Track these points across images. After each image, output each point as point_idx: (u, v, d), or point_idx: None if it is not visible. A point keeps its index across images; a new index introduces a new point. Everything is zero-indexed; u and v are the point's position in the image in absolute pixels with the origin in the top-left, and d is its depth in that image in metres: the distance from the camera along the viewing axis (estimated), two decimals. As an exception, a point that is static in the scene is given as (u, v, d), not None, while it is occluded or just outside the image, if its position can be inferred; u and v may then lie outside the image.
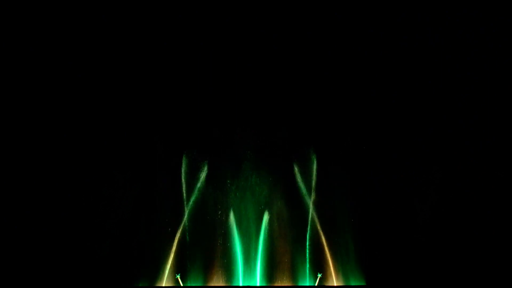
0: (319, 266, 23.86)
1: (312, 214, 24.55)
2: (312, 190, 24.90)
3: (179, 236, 24.15)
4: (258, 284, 23.62)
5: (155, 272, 23.54)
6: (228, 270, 24.02)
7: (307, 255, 24.03)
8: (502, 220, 23.65)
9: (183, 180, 24.76)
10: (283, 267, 24.08)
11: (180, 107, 26.26)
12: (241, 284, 23.55)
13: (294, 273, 23.97)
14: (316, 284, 23.30)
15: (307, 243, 24.15)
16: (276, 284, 23.84)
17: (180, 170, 24.91)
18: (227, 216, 24.68)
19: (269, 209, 24.83)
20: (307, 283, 23.60)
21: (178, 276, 23.20)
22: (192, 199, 24.73)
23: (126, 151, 25.33)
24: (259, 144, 25.68)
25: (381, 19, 25.68)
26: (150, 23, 26.16)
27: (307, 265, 23.94)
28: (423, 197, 24.82)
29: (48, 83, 25.61)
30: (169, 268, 23.53)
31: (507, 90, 24.37)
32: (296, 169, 25.26)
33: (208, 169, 25.06)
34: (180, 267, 23.67)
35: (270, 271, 23.98)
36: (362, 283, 23.67)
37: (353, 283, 23.69)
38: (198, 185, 24.82)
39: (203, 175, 24.95)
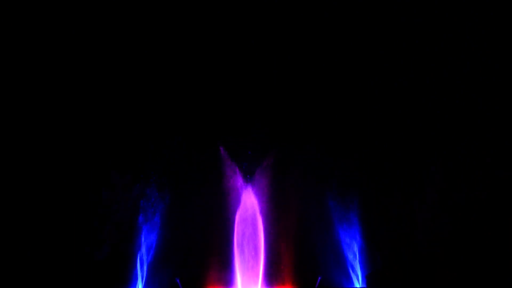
0: (319, 268, 23.95)
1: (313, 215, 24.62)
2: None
3: (179, 238, 24.18)
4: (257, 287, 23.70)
5: (154, 275, 23.58)
6: (227, 271, 24.05)
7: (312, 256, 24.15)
8: (502, 220, 23.62)
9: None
10: (283, 269, 24.12)
11: (180, 108, 26.17)
12: (240, 287, 23.60)
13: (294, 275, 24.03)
14: (316, 287, 23.34)
15: (309, 245, 24.23)
16: (276, 287, 23.90)
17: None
18: (226, 217, 24.70)
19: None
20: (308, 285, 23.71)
21: (177, 280, 23.22)
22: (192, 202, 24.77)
23: (125, 154, 25.22)
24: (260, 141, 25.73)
25: (382, 19, 25.55)
26: (150, 23, 25.98)
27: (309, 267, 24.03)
28: (423, 197, 24.80)
29: (47, 83, 25.40)
30: (168, 272, 23.58)
31: (507, 90, 24.27)
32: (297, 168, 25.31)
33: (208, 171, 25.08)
34: (179, 271, 23.69)
35: (270, 273, 24.04)
36: (362, 286, 23.73)
37: (352, 285, 23.75)
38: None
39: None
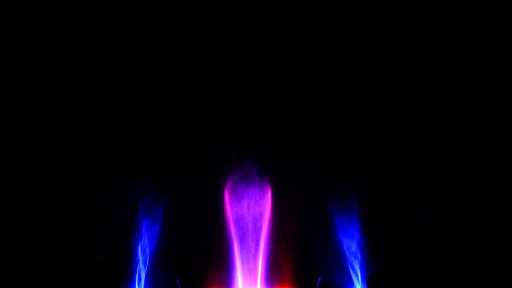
0: (319, 269, 23.90)
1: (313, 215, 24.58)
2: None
3: (178, 239, 24.11)
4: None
5: (154, 275, 23.52)
6: (227, 272, 23.99)
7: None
8: (502, 220, 23.60)
9: None
10: (283, 270, 24.07)
11: (180, 108, 26.13)
12: (240, 288, 23.63)
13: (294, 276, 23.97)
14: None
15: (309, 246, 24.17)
16: None
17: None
18: (226, 218, 24.66)
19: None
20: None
21: (177, 281, 23.18)
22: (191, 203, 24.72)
23: (125, 154, 25.17)
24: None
25: (382, 19, 25.51)
26: (150, 23, 25.92)
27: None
28: (423, 197, 24.77)
29: (47, 84, 25.30)
30: (168, 273, 23.52)
31: (507, 90, 24.24)
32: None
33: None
34: (179, 271, 23.64)
35: (270, 274, 23.98)
36: (363, 286, 23.70)
37: (352, 286, 23.72)
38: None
39: None
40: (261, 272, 23.87)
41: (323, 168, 25.30)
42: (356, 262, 24.09)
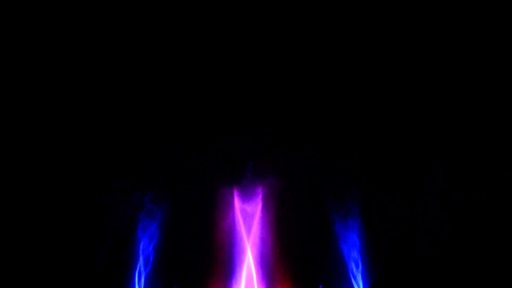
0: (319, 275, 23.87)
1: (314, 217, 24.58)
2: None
3: (178, 241, 24.10)
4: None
5: (154, 281, 23.50)
6: (227, 278, 23.94)
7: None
8: (502, 220, 23.62)
9: None
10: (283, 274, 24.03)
11: (180, 108, 26.14)
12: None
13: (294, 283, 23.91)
14: None
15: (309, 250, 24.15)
16: None
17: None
18: (226, 221, 24.66)
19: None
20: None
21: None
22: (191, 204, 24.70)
23: (125, 154, 25.15)
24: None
25: (382, 19, 25.50)
26: (150, 23, 25.92)
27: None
28: (423, 197, 24.78)
29: (47, 85, 25.25)
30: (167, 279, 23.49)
31: (507, 90, 24.25)
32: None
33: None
34: (179, 275, 23.60)
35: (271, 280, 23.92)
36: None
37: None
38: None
39: None
40: (261, 278, 23.79)
41: (323, 168, 25.27)
42: (358, 263, 24.02)
